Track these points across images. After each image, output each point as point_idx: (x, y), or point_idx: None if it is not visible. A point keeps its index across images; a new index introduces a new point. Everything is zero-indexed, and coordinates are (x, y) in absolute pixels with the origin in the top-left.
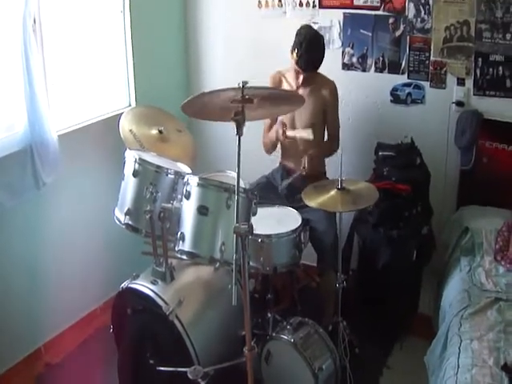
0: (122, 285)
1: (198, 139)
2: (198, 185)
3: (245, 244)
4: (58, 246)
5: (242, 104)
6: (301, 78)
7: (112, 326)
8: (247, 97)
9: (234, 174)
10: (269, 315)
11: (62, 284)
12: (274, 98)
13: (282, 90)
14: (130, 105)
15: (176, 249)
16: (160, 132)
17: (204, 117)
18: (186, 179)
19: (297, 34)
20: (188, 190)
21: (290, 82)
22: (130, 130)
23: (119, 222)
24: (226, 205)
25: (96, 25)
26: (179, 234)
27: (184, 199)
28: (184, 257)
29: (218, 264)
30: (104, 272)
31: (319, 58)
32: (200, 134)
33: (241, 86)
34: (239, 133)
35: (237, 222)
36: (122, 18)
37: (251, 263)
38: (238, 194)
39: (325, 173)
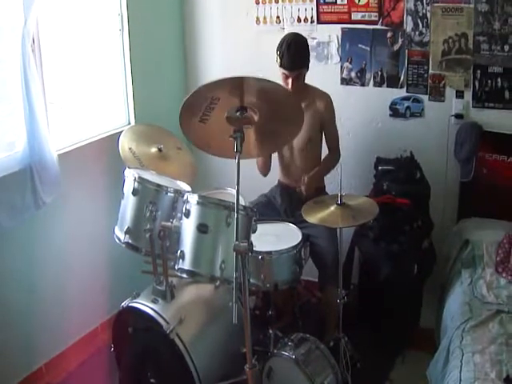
0: (123, 304)
1: (197, 157)
2: (198, 203)
3: (245, 262)
4: (57, 266)
5: (241, 119)
6: (290, 81)
7: (113, 345)
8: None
9: (234, 192)
10: (270, 332)
11: (62, 303)
12: (273, 117)
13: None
14: (129, 123)
15: (176, 267)
16: (159, 150)
17: (204, 144)
18: (185, 197)
19: (280, 40)
20: (188, 208)
21: None
22: (130, 149)
23: (119, 240)
24: (225, 223)
25: (95, 43)
26: (179, 252)
27: (184, 217)
28: (184, 275)
29: (218, 282)
30: (104, 291)
31: (301, 55)
32: (199, 152)
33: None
34: (238, 150)
35: (236, 240)
36: (120, 36)
37: (252, 280)
38: (237, 212)
39: (324, 187)
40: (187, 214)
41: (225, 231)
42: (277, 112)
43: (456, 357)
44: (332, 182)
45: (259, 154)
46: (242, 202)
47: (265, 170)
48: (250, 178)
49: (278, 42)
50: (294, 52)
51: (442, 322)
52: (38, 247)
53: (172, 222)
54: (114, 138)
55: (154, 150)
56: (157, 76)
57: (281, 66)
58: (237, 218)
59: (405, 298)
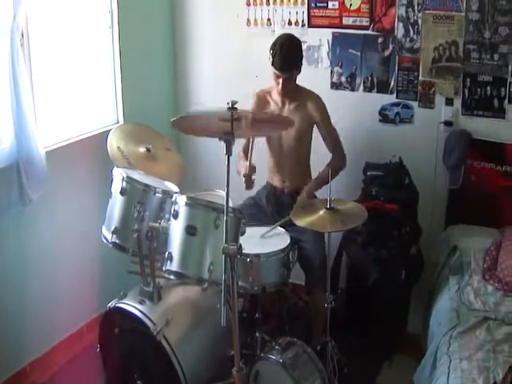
0: (109, 304)
1: (185, 157)
2: (186, 204)
3: (234, 264)
4: (44, 264)
5: (232, 123)
6: (280, 81)
7: (99, 345)
8: (236, 116)
9: (223, 193)
10: (257, 335)
11: (47, 302)
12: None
13: (272, 115)
14: (117, 122)
15: (164, 269)
16: (148, 150)
17: (194, 133)
18: (173, 198)
19: (274, 39)
20: (176, 209)
21: (275, 100)
22: (118, 148)
23: (106, 240)
24: (214, 225)
25: (84, 40)
26: (167, 253)
27: (172, 218)
28: (172, 277)
29: (206, 284)
30: (90, 290)
31: (293, 56)
32: (188, 153)
33: (230, 105)
34: (228, 153)
35: (226, 243)
36: (110, 33)
37: (240, 283)
38: (226, 214)
39: None
40: (175, 216)
41: (213, 233)
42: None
43: (443, 363)
44: None
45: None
46: (230, 204)
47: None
48: (238, 181)
49: (272, 42)
50: (286, 53)
51: (429, 328)
52: (24, 245)
53: (160, 223)
54: (103, 136)
55: (142, 149)
56: (146, 75)
57: (272, 65)
58: (226, 221)
59: (392, 303)
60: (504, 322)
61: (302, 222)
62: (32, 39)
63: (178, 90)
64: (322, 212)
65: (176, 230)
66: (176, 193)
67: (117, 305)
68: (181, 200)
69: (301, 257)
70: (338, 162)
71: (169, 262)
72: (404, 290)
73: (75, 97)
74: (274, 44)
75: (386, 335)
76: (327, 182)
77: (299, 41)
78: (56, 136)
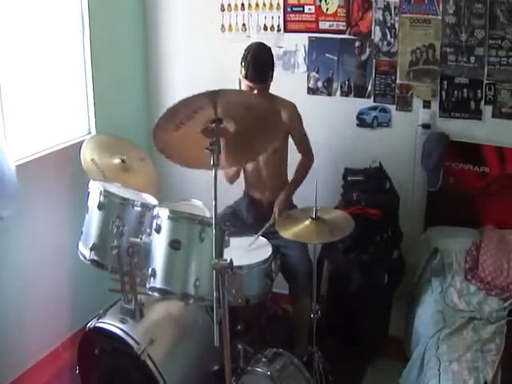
0: (89, 324)
1: (159, 167)
2: (169, 218)
3: (224, 280)
4: (17, 283)
5: (217, 130)
6: (255, 92)
7: (78, 366)
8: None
9: (199, 203)
10: (239, 347)
11: (20, 323)
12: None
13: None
14: (89, 132)
15: (147, 286)
16: (123, 161)
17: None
18: (156, 212)
19: (244, 51)
20: (158, 223)
21: None
22: (92, 160)
23: (84, 257)
24: (199, 238)
25: (54, 45)
26: (150, 270)
27: (154, 233)
28: (156, 294)
29: (191, 300)
30: (64, 309)
31: (267, 68)
32: (161, 162)
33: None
34: (215, 163)
35: (216, 258)
36: (81, 38)
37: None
38: (215, 228)
39: (292, 200)
40: (158, 230)
41: (198, 247)
42: (253, 118)
43: (433, 366)
44: (297, 194)
45: (233, 165)
46: (206, 213)
47: (235, 178)
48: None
49: (243, 53)
50: (260, 65)
51: (414, 331)
52: None
53: (141, 239)
54: (75, 148)
55: (117, 161)
56: (118, 83)
57: (246, 77)
58: (215, 235)
59: (375, 307)
60: (489, 321)
61: (287, 233)
62: None
63: (150, 98)
64: (307, 222)
65: (159, 244)
66: (155, 206)
67: (96, 324)
68: (163, 213)
69: (284, 265)
70: (308, 162)
71: (152, 278)
72: (386, 294)
73: (45, 107)
74: (245, 56)
75: (369, 340)
76: (299, 184)
77: (270, 49)
78: (26, 149)
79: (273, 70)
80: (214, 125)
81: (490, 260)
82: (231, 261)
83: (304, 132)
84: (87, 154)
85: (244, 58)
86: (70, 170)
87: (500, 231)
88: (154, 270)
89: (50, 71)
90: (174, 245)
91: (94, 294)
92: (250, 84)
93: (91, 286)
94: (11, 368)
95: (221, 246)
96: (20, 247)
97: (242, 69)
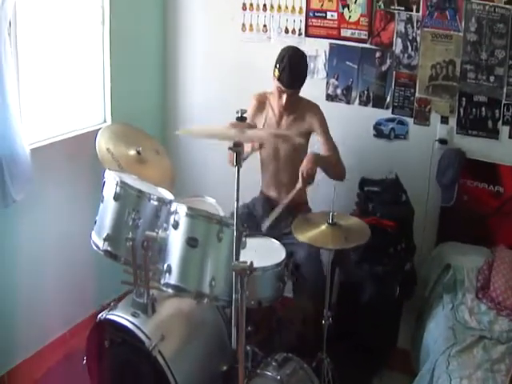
0: (100, 316)
1: (173, 161)
2: (187, 215)
3: (244, 282)
4: (27, 267)
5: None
6: (284, 97)
7: (86, 356)
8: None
9: (212, 201)
10: (248, 348)
11: (29, 307)
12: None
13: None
14: (105, 121)
15: (162, 282)
16: (138, 153)
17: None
18: (174, 208)
19: (280, 52)
20: (176, 219)
21: (273, 108)
22: (108, 149)
23: (97, 247)
24: (217, 238)
25: (74, 34)
26: (165, 266)
27: (171, 229)
28: (170, 290)
29: (206, 299)
30: (73, 295)
31: (303, 74)
32: (175, 156)
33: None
34: (238, 164)
35: (236, 259)
36: (101, 29)
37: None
38: (236, 230)
39: (307, 202)
40: (175, 226)
41: (215, 246)
42: None
43: (443, 382)
44: (313, 196)
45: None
46: (220, 211)
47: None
48: (227, 187)
49: (279, 54)
50: (296, 71)
51: (423, 345)
52: (7, 247)
53: (157, 233)
54: (90, 136)
55: (132, 152)
56: (136, 73)
57: (279, 80)
58: (236, 237)
59: (385, 318)
60: (499, 341)
61: (302, 236)
62: (20, 30)
63: (167, 91)
64: (323, 227)
65: (176, 241)
66: (172, 201)
67: (108, 317)
68: (181, 210)
69: (294, 269)
70: (339, 158)
71: (167, 274)
72: (396, 305)
73: (62, 93)
74: (282, 58)
75: (377, 350)
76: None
77: (306, 56)
78: (41, 133)
79: (306, 79)
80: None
81: (501, 280)
82: (251, 263)
83: (330, 135)
84: (102, 143)
85: (280, 59)
86: (84, 157)
87: None
88: (169, 266)
89: (70, 59)
90: (191, 242)
91: (103, 282)
92: (282, 87)
93: (101, 275)
94: (16, 352)
95: (238, 247)
96: (31, 231)
97: (276, 70)
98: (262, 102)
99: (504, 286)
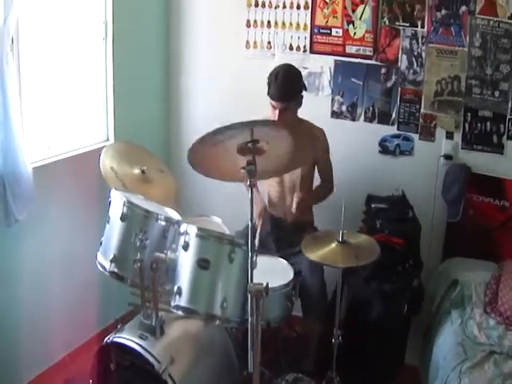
0: (106, 338)
1: (176, 179)
2: (197, 236)
3: (259, 305)
4: (29, 288)
5: (253, 149)
6: (276, 112)
7: (91, 380)
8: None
9: (218, 220)
10: None
11: (31, 328)
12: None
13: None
14: (107, 139)
15: (172, 304)
16: (143, 172)
17: (210, 171)
18: (184, 228)
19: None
20: (186, 240)
21: None
22: (112, 168)
23: (103, 268)
24: (228, 259)
25: (77, 51)
26: (176, 287)
27: (181, 250)
28: (180, 312)
29: (217, 321)
30: (77, 316)
31: (289, 87)
32: (178, 175)
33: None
34: (252, 183)
35: (251, 281)
36: (104, 45)
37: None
38: (252, 251)
39: (313, 222)
40: (186, 247)
41: (227, 267)
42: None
43: None
44: (319, 215)
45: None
46: (226, 231)
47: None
48: (232, 206)
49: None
50: (282, 82)
51: (432, 361)
52: (9, 268)
53: (166, 254)
54: (93, 154)
55: (136, 171)
56: (139, 91)
57: (268, 94)
58: (251, 258)
59: (393, 336)
60: (509, 356)
61: (312, 255)
62: (22, 46)
63: (170, 109)
64: (333, 245)
65: (186, 262)
66: (179, 221)
67: (115, 339)
68: (191, 230)
69: (301, 288)
70: (328, 189)
71: (177, 296)
72: (404, 322)
73: (64, 111)
74: (271, 73)
75: (385, 367)
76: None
77: (297, 70)
78: (43, 152)
79: (298, 93)
80: (249, 144)
81: (509, 294)
82: (267, 285)
83: (330, 160)
84: (106, 162)
85: (270, 74)
86: (87, 176)
87: None
88: (179, 288)
89: (73, 76)
90: (201, 264)
91: (106, 303)
92: (272, 102)
93: (104, 296)
94: (21, 373)
95: (252, 268)
96: (34, 251)
97: (267, 87)
98: None
99: None
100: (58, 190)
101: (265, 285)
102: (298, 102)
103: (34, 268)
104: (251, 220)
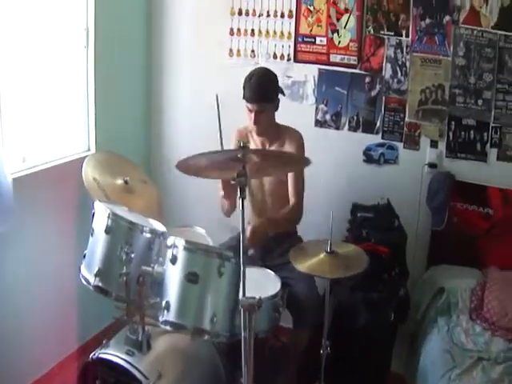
0: (92, 355)
1: (159, 190)
2: (185, 249)
3: (252, 319)
4: (11, 300)
5: (244, 163)
6: (252, 115)
7: None
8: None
9: (202, 231)
10: (242, 382)
11: (13, 341)
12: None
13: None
14: (88, 149)
15: (160, 319)
16: (125, 182)
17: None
18: (171, 242)
19: None
20: (174, 253)
21: (255, 140)
22: (94, 179)
23: (87, 282)
24: (217, 272)
25: (57, 58)
26: (164, 302)
27: (169, 264)
28: (168, 328)
29: (206, 336)
30: (59, 329)
31: (264, 89)
32: (161, 185)
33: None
34: (243, 195)
35: (243, 295)
36: (85, 53)
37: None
38: (243, 265)
39: (296, 232)
40: (173, 261)
41: (216, 281)
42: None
43: None
44: (303, 226)
45: None
46: (209, 242)
47: (231, 209)
48: (215, 218)
49: None
50: (256, 84)
51: (420, 369)
52: None
53: (153, 268)
54: (74, 164)
55: (119, 181)
56: (121, 100)
57: (243, 97)
58: (243, 271)
59: (379, 344)
60: (496, 362)
61: (301, 266)
62: (0, 54)
63: (152, 119)
64: (322, 256)
65: (174, 276)
66: (164, 232)
67: (100, 355)
68: (179, 243)
69: (290, 298)
70: (294, 212)
71: (165, 311)
72: (391, 331)
73: (45, 120)
74: (246, 76)
75: (371, 375)
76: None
77: (272, 73)
78: (23, 162)
79: (273, 95)
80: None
81: (494, 301)
82: (260, 298)
83: (302, 174)
84: (89, 172)
85: (244, 79)
86: (68, 186)
87: (504, 273)
88: (168, 303)
89: (53, 85)
90: (190, 278)
91: (89, 316)
92: (248, 105)
93: (87, 308)
94: None
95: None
96: (14, 265)
97: (243, 90)
98: (243, 136)
99: (497, 307)
100: (38, 201)
101: (257, 298)
102: (274, 105)
103: (16, 279)
104: (242, 232)
